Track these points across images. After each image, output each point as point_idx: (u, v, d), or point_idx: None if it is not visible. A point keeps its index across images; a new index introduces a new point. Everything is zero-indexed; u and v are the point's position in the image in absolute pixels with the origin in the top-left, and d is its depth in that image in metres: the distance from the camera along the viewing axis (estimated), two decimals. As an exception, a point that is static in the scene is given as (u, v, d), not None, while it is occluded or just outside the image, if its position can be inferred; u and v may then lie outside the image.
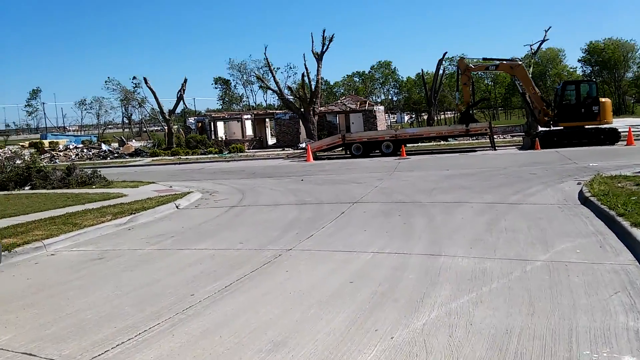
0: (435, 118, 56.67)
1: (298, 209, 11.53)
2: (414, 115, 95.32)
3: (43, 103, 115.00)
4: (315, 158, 28.75)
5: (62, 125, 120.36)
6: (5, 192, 18.01)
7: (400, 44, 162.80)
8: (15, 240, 9.06)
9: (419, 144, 31.89)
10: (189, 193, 15.20)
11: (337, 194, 13.76)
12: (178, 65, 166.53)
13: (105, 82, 69.88)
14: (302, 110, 38.60)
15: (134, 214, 11.79)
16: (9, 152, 35.84)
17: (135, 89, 73.81)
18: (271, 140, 48.08)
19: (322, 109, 44.30)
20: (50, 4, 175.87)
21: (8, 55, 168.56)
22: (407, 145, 29.06)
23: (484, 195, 11.75)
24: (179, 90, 44.33)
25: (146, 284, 6.46)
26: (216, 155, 36.30)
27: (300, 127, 41.36)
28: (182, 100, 45.08)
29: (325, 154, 30.84)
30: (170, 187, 17.61)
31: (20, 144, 65.34)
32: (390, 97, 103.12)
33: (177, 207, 13.17)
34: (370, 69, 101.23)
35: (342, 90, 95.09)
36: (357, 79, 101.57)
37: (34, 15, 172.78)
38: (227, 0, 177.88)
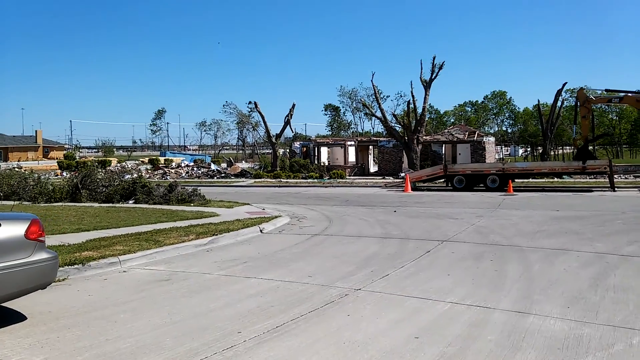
0: (551, 153, 53.16)
1: (381, 243, 10.77)
2: (528, 149, 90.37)
3: (167, 123, 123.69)
4: (415, 189, 27.70)
5: (183, 144, 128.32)
6: (109, 205, 18.91)
7: (516, 73, 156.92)
8: (93, 253, 9.15)
9: (529, 179, 29.73)
10: (277, 217, 14.97)
11: (427, 229, 12.81)
12: (291, 91, 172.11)
13: (223, 105, 73.48)
14: (406, 138, 37.71)
15: (217, 235, 11.67)
16: (119, 167, 38.24)
17: (250, 112, 76.94)
18: (373, 168, 47.49)
19: (428, 138, 43.10)
20: (174, 37, 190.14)
21: (138, 77, 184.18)
22: (516, 180, 27.16)
23: (594, 243, 10.27)
24: (287, 115, 45.26)
25: (198, 314, 6.05)
26: (315, 180, 36.33)
27: (403, 155, 40.43)
28: (289, 125, 45.94)
29: (426, 184, 29.66)
30: (263, 209, 17.56)
31: (141, 159, 70.31)
32: (504, 129, 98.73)
33: (261, 231, 12.92)
34: (484, 98, 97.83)
35: (452, 120, 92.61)
36: (469, 109, 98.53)
37: (163, 44, 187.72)
38: (341, 29, 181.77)
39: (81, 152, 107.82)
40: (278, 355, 4.73)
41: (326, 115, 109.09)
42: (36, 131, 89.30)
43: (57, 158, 72.95)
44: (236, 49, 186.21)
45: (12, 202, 18.11)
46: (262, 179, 39.17)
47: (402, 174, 35.74)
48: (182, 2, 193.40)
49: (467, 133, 43.39)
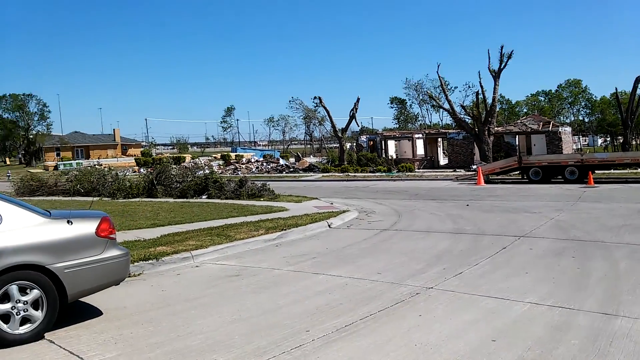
0: (633, 142, 50.00)
1: (453, 239, 10.41)
2: (608, 139, 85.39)
3: (237, 120, 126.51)
4: (488, 182, 26.77)
5: (253, 140, 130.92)
6: (183, 200, 19.48)
7: (590, 61, 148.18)
8: (167, 248, 9.39)
9: (610, 170, 28.00)
10: (345, 212, 14.86)
11: (502, 224, 12.27)
12: (355, 85, 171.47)
13: (289, 101, 73.69)
14: (476, 130, 36.55)
15: (285, 230, 11.71)
16: (192, 163, 39.36)
17: (316, 107, 77.12)
18: (443, 161, 46.41)
19: (500, 129, 41.60)
20: (241, 35, 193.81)
21: (209, 75, 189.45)
22: (596, 172, 25.66)
23: (690, 240, 9.46)
24: (352, 109, 45.01)
25: (266, 311, 6.03)
26: (384, 174, 35.93)
27: (474, 147, 39.23)
28: (354, 119, 45.67)
29: (499, 177, 28.61)
30: (331, 203, 17.50)
31: (213, 155, 72.30)
32: (580, 118, 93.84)
33: (329, 225, 12.85)
34: (558, 87, 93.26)
35: (524, 110, 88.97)
36: (542, 98, 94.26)
37: (230, 43, 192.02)
38: (405, 20, 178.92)
39: (157, 149, 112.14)
40: (347, 357, 4.60)
41: (392, 108, 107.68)
42: (114, 130, 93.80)
43: (134, 155, 76.29)
44: (300, 42, 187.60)
45: (91, 198, 19.01)
46: (330, 173, 39.20)
47: (474, 167, 34.70)
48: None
49: (541, 123, 41.50)
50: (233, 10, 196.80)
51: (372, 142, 47.47)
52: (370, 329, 5.31)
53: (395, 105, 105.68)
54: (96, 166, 32.78)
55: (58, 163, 64.82)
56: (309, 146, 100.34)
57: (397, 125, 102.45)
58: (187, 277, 8.02)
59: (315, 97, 54.47)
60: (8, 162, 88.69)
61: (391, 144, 46.98)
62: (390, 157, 43.83)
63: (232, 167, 47.04)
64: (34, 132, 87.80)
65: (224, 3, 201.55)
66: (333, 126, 47.02)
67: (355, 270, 7.95)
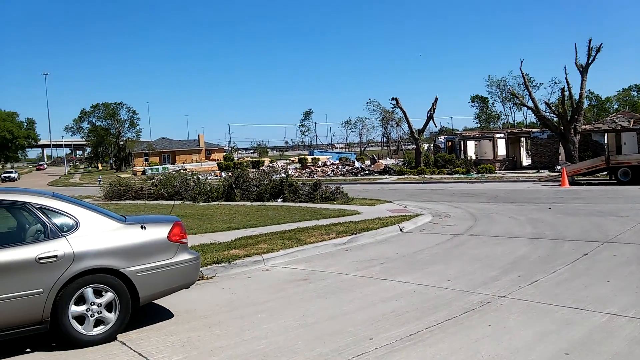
0: None
1: (531, 245, 9.94)
2: None
3: (315, 123, 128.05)
4: (573, 183, 25.40)
5: (330, 143, 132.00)
6: (259, 203, 19.92)
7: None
8: (239, 252, 9.63)
9: None
10: (418, 215, 14.60)
11: (586, 228, 11.59)
12: (434, 85, 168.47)
13: (367, 103, 73.94)
14: (562, 128, 34.79)
15: (356, 234, 11.66)
16: (269, 167, 40.12)
17: (393, 109, 76.56)
18: (526, 161, 44.52)
19: (587, 127, 39.34)
20: (322, 42, 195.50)
21: (288, 81, 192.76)
22: (697, 172, 23.67)
23: None
24: (429, 110, 44.20)
25: (332, 316, 6.03)
26: (462, 176, 35.00)
27: (560, 147, 37.34)
28: (432, 120, 44.84)
29: (585, 178, 27.07)
30: (405, 207, 17.27)
31: (291, 159, 73.51)
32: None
33: (400, 230, 12.67)
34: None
35: (615, 106, 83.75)
36: (635, 93, 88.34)
37: (307, 48, 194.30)
38: (487, 14, 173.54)
39: (239, 153, 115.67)
40: (409, 367, 4.51)
41: (473, 107, 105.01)
42: (199, 135, 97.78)
43: (217, 160, 79.05)
44: (379, 45, 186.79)
45: (173, 202, 19.86)
46: (405, 176, 38.70)
47: (558, 167, 33.05)
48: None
49: (632, 120, 38.81)
50: (314, 15, 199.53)
51: (450, 143, 46.38)
52: (436, 338, 5.17)
53: (477, 104, 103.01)
54: (180, 171, 34.21)
55: (145, 168, 68.42)
56: (385, 148, 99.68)
57: (478, 125, 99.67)
58: (257, 280, 8.18)
59: (392, 99, 53.95)
60: (100, 168, 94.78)
61: (470, 144, 45.66)
62: (469, 158, 42.61)
63: (308, 170, 47.58)
64: (124, 138, 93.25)
65: (307, 8, 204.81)
66: (410, 127, 46.41)
67: (425, 277, 7.78)
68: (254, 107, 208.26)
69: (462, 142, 45.15)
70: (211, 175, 43.79)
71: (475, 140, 46.32)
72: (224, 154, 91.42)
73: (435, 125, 50.37)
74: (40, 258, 5.16)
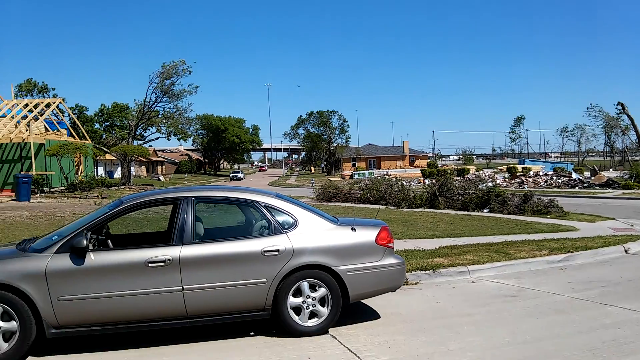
0: None
1: None
2: None
3: (526, 130, 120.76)
4: None
5: (543, 151, 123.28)
6: (464, 213, 19.48)
7: None
8: (443, 261, 9.58)
9: None
10: (648, 236, 12.88)
11: None
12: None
13: (587, 108, 66.88)
14: None
15: (572, 252, 10.76)
16: (475, 175, 38.82)
17: (619, 115, 68.51)
18: None
19: None
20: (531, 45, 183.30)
21: (499, 86, 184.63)
22: None
23: None
24: (668, 115, 38.55)
25: (542, 338, 5.69)
26: None
27: None
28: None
29: None
30: (632, 225, 15.38)
31: (499, 167, 70.37)
32: None
33: (625, 251, 11.33)
34: None
35: None
36: None
37: (519, 53, 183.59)
38: None
39: (442, 160, 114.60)
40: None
41: None
42: (403, 142, 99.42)
43: (420, 166, 79.40)
44: (601, 47, 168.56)
45: (378, 206, 20.46)
46: (632, 190, 34.22)
47: None
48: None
49: None
50: (524, 22, 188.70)
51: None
52: (668, 378, 4.57)
53: None
54: (385, 176, 35.14)
55: (353, 172, 71.68)
56: (608, 159, 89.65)
57: None
58: (462, 291, 8.06)
59: (617, 104, 48.32)
60: (313, 171, 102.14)
61: None
62: None
63: (518, 180, 44.95)
64: (335, 144, 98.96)
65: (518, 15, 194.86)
66: (638, 136, 41.12)
67: (656, 307, 6.87)
68: (459, 113, 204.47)
69: None
70: (415, 182, 44.03)
71: None
72: (428, 160, 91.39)
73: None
74: (265, 251, 5.81)
